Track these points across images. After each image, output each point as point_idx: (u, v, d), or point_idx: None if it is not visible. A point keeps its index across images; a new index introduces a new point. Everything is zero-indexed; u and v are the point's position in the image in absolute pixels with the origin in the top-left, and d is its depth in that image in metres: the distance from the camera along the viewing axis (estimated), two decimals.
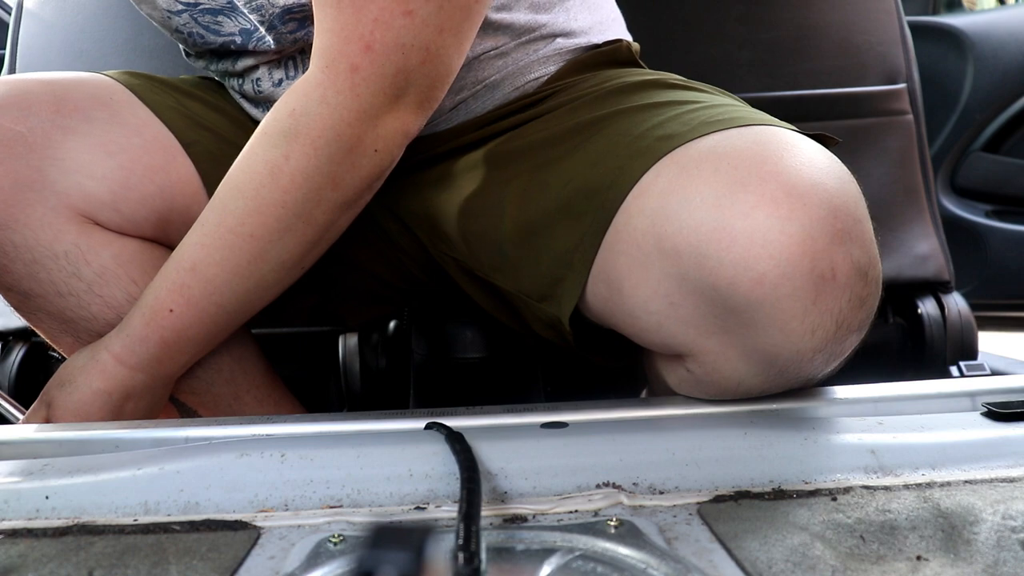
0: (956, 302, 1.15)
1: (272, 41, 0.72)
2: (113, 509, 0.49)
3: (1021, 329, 1.63)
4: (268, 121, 0.64)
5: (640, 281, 0.58)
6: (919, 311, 1.15)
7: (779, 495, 0.49)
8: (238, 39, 0.73)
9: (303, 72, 0.74)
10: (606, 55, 0.79)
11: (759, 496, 0.49)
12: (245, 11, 0.70)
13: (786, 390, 0.60)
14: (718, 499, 0.49)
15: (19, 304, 0.75)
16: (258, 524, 0.47)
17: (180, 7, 0.72)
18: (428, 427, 0.57)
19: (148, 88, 0.78)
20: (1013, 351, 1.27)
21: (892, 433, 0.54)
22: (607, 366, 0.77)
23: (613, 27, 0.82)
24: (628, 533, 0.44)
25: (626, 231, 0.59)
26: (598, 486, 0.50)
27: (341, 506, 0.50)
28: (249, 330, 0.84)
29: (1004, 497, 0.47)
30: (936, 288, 1.17)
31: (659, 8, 1.23)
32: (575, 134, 0.68)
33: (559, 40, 0.76)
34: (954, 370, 1.12)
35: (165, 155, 0.75)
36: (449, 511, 0.48)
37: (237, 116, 0.82)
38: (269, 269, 0.67)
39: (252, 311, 0.71)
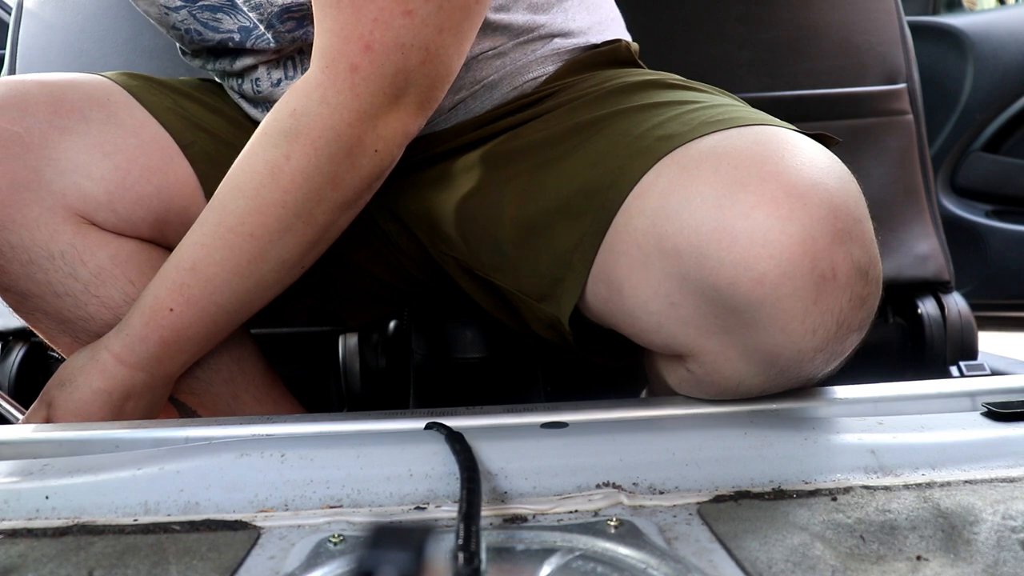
0: (956, 302, 1.15)
1: (272, 39, 0.72)
2: (113, 509, 0.49)
3: (1021, 329, 1.63)
4: (269, 121, 0.64)
5: (640, 281, 0.58)
6: (919, 311, 1.15)
7: (779, 495, 0.49)
8: (236, 36, 0.73)
9: (302, 72, 0.74)
10: (605, 55, 0.79)
11: (759, 496, 0.49)
12: (244, 9, 0.70)
13: (786, 390, 0.60)
14: (718, 499, 0.49)
15: (17, 304, 0.75)
16: (258, 524, 0.47)
17: (179, 3, 0.72)
18: (428, 427, 0.57)
19: (145, 89, 0.78)
20: (1013, 351, 1.28)
21: (892, 433, 0.54)
22: (607, 366, 0.77)
23: (612, 27, 0.82)
24: (628, 533, 0.44)
25: (626, 231, 0.59)
26: (598, 486, 0.50)
27: (341, 506, 0.50)
28: (248, 330, 0.84)
29: (1004, 497, 0.47)
30: (936, 288, 1.17)
31: (659, 8, 1.23)
32: (575, 134, 0.68)
33: (557, 40, 0.76)
34: (954, 370, 1.12)
35: (162, 156, 0.75)
36: (449, 511, 0.48)
37: (235, 117, 0.82)
38: (269, 269, 0.67)
39: (252, 310, 0.71)
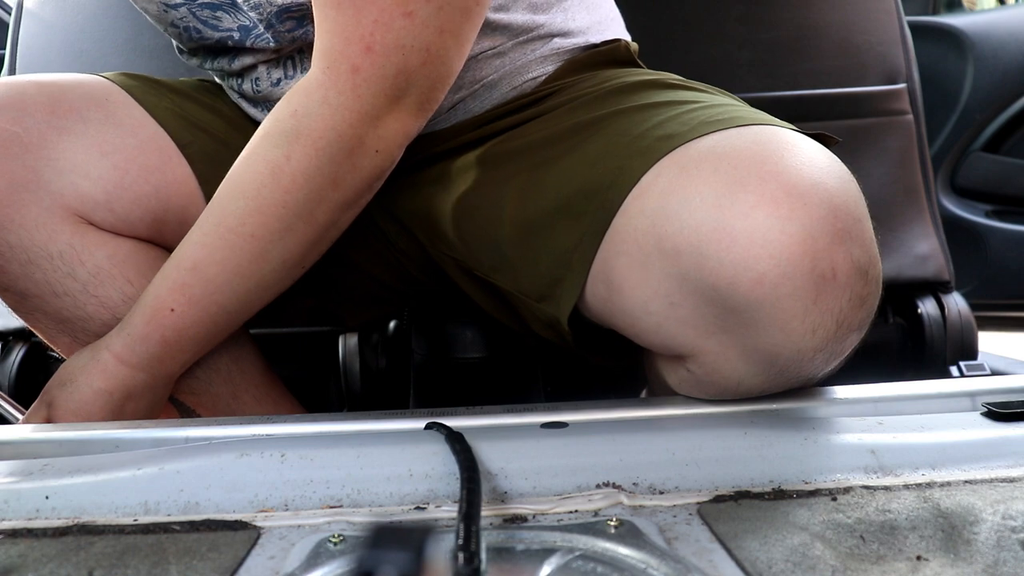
0: (956, 302, 1.15)
1: (271, 39, 0.72)
2: (113, 509, 0.49)
3: (1021, 329, 1.63)
4: (270, 121, 0.64)
5: (640, 281, 0.58)
6: (919, 311, 1.15)
7: (779, 495, 0.49)
8: (236, 35, 0.73)
9: (301, 72, 0.74)
10: (604, 55, 0.79)
11: (759, 496, 0.49)
12: (244, 8, 0.70)
13: (786, 390, 0.60)
14: (718, 499, 0.49)
15: (16, 304, 0.75)
16: (258, 524, 0.47)
17: (178, 0, 0.72)
18: (428, 427, 0.57)
19: (144, 89, 0.78)
20: (1013, 351, 1.27)
21: (892, 433, 0.54)
22: (607, 366, 0.77)
23: (612, 27, 0.82)
24: (628, 533, 0.44)
25: (626, 231, 0.59)
26: (598, 486, 0.50)
27: (341, 506, 0.50)
28: (246, 330, 0.84)
29: (1004, 497, 0.47)
30: (936, 288, 1.17)
31: (659, 8, 1.23)
32: (574, 134, 0.68)
33: (557, 40, 0.76)
34: (954, 370, 1.12)
35: (160, 156, 0.75)
36: (449, 511, 0.48)
37: (234, 118, 0.82)
38: (270, 269, 0.67)
39: (253, 310, 0.71)
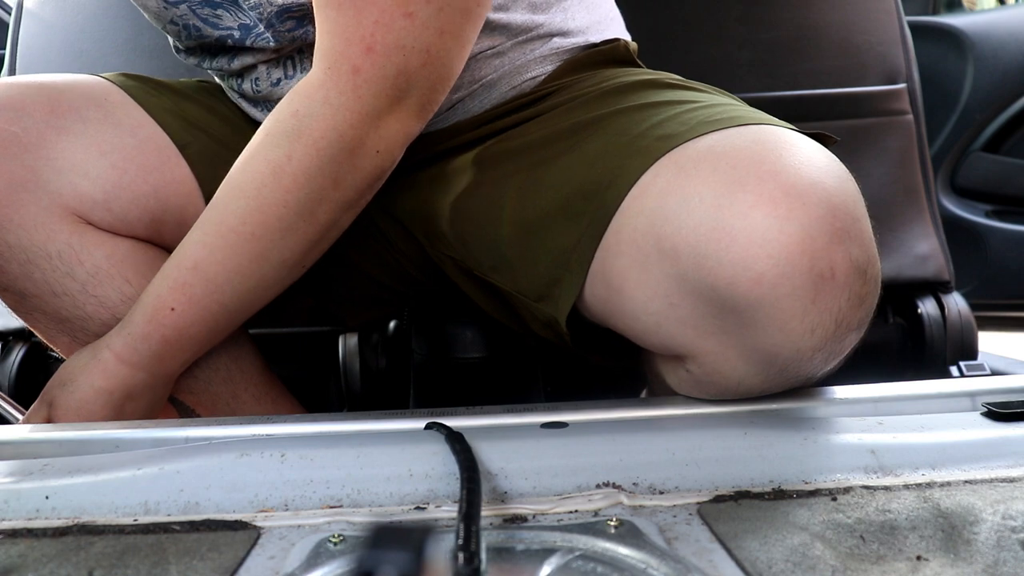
0: (956, 302, 1.15)
1: (271, 38, 0.72)
2: (113, 509, 0.49)
3: (1021, 329, 1.63)
4: (271, 121, 0.64)
5: (639, 282, 0.58)
6: (919, 311, 1.15)
7: (779, 495, 0.49)
8: (236, 34, 0.73)
9: (301, 72, 0.74)
10: (603, 54, 0.79)
11: (759, 496, 0.49)
12: (245, 7, 0.70)
13: (786, 390, 0.60)
14: (718, 499, 0.49)
15: (15, 304, 0.75)
16: (258, 524, 0.47)
17: None
18: (428, 427, 0.57)
19: (143, 89, 0.78)
20: (1013, 351, 1.27)
21: (892, 433, 0.54)
22: (606, 366, 0.77)
23: (611, 26, 0.82)
24: (628, 533, 0.44)
25: (625, 231, 0.59)
26: (598, 486, 0.50)
27: (341, 506, 0.50)
28: (245, 330, 0.84)
29: (1004, 497, 0.47)
30: (936, 288, 1.17)
31: (659, 8, 1.23)
32: (573, 134, 0.68)
33: (556, 39, 0.76)
34: (954, 370, 1.12)
35: (159, 156, 0.75)
36: (449, 511, 0.48)
37: (233, 119, 0.82)
38: (271, 268, 0.67)
39: (253, 310, 0.71)
